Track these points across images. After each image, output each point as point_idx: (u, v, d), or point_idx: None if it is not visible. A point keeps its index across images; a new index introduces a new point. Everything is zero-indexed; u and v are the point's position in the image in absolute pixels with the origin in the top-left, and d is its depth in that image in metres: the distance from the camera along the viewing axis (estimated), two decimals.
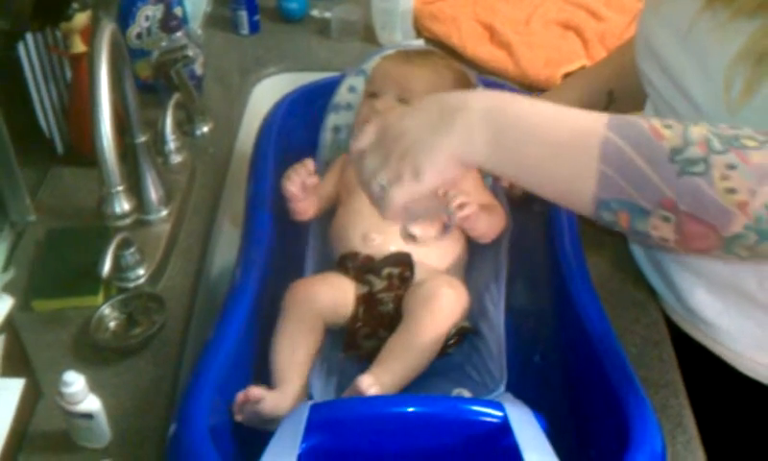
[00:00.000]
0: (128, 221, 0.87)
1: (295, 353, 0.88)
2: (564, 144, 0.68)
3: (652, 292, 1.02)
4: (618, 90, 1.07)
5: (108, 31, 0.85)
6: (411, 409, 0.70)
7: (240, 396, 0.81)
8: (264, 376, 0.88)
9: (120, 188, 0.84)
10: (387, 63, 1.10)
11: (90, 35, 0.82)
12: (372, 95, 1.07)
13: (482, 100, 0.71)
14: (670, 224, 0.65)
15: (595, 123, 0.67)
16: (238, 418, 0.82)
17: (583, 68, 1.41)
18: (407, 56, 1.09)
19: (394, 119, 0.74)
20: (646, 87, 0.94)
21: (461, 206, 0.94)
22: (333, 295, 0.93)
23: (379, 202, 0.74)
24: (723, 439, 0.91)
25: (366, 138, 0.75)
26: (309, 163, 1.02)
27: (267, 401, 0.81)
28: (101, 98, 0.79)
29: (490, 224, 1.00)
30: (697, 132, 0.65)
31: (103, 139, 0.79)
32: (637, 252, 1.05)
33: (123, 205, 0.87)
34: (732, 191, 0.63)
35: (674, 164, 0.64)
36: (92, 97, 0.79)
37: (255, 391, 0.81)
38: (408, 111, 0.74)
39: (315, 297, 0.92)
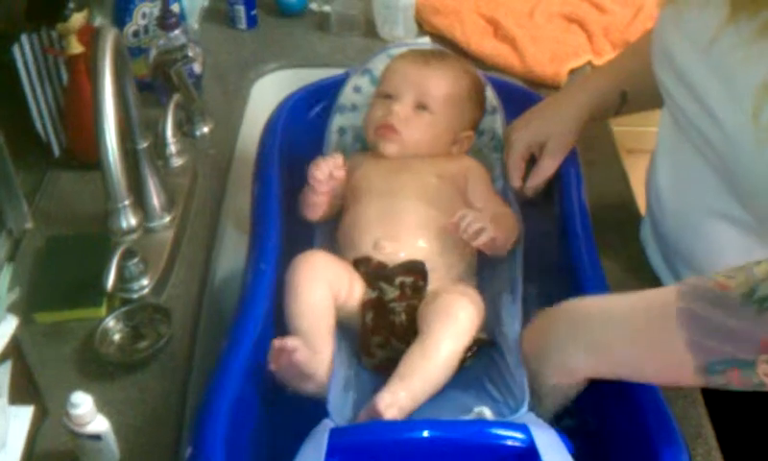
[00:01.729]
0: (134, 236, 0.84)
1: (317, 320, 0.87)
2: (644, 330, 0.71)
3: None
4: (632, 91, 1.05)
5: (110, 37, 0.82)
6: (434, 434, 0.68)
7: (276, 343, 0.82)
8: (281, 390, 0.86)
9: (127, 203, 0.81)
10: (403, 64, 1.07)
11: (92, 41, 0.78)
12: (387, 96, 1.05)
13: (560, 321, 0.79)
14: None
15: (666, 298, 0.70)
16: (273, 367, 0.83)
17: (589, 64, 1.39)
18: (424, 57, 1.06)
19: None
20: (663, 95, 0.91)
21: (477, 233, 0.92)
22: (337, 268, 0.92)
23: None
24: (740, 447, 0.90)
25: None
26: (339, 158, 1.01)
27: (301, 352, 0.82)
28: (105, 110, 0.76)
29: (506, 239, 0.98)
30: (761, 269, 0.66)
31: (108, 153, 0.76)
32: (654, 257, 1.03)
33: (130, 220, 0.84)
34: None
35: (750, 306, 0.64)
36: (96, 109, 0.76)
37: (291, 341, 0.82)
38: None
39: (318, 263, 0.91)
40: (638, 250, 1.06)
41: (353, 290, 0.92)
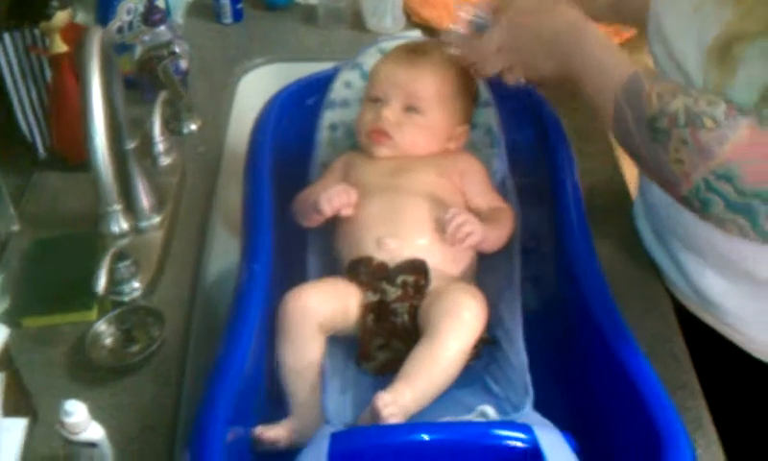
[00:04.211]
0: (126, 240, 0.82)
1: (301, 374, 0.85)
2: (598, 87, 0.85)
3: (661, 281, 1.00)
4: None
5: (97, 38, 0.80)
6: (437, 437, 0.67)
7: (256, 433, 0.81)
8: (278, 391, 0.85)
9: (118, 207, 0.79)
10: (390, 67, 1.04)
11: (78, 44, 0.76)
12: (375, 99, 1.03)
13: (564, 26, 0.90)
14: (650, 174, 0.83)
15: (623, 73, 0.81)
16: (259, 450, 0.81)
17: None
18: (408, 57, 1.04)
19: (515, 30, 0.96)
20: (654, 67, 0.92)
21: (465, 237, 0.92)
22: (330, 303, 0.90)
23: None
24: (736, 423, 0.89)
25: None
26: (353, 195, 0.97)
27: (283, 437, 0.81)
28: (94, 114, 0.74)
29: (499, 237, 0.97)
30: (674, 105, 0.76)
31: (98, 157, 0.75)
32: (646, 235, 1.03)
33: (121, 224, 0.82)
34: (680, 162, 0.76)
35: (649, 130, 0.78)
36: (85, 113, 0.74)
37: (268, 434, 0.81)
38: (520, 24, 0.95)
39: (308, 308, 0.88)
40: (631, 233, 1.06)
41: (349, 310, 0.90)
